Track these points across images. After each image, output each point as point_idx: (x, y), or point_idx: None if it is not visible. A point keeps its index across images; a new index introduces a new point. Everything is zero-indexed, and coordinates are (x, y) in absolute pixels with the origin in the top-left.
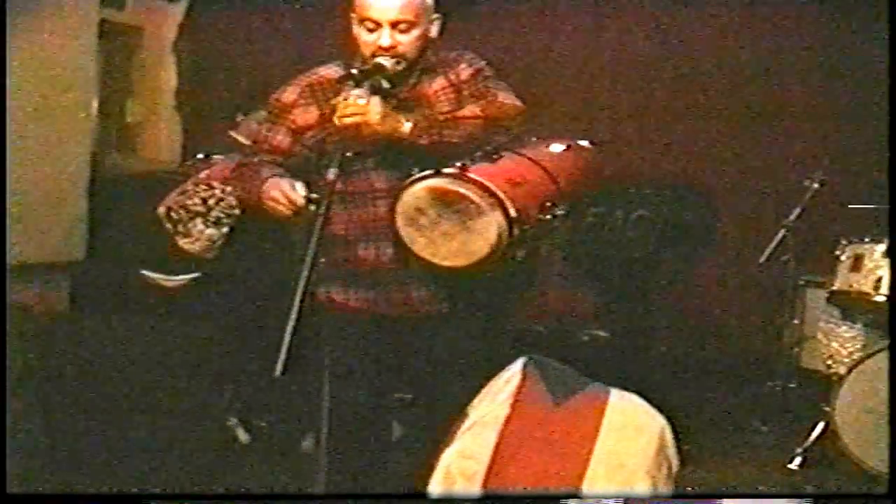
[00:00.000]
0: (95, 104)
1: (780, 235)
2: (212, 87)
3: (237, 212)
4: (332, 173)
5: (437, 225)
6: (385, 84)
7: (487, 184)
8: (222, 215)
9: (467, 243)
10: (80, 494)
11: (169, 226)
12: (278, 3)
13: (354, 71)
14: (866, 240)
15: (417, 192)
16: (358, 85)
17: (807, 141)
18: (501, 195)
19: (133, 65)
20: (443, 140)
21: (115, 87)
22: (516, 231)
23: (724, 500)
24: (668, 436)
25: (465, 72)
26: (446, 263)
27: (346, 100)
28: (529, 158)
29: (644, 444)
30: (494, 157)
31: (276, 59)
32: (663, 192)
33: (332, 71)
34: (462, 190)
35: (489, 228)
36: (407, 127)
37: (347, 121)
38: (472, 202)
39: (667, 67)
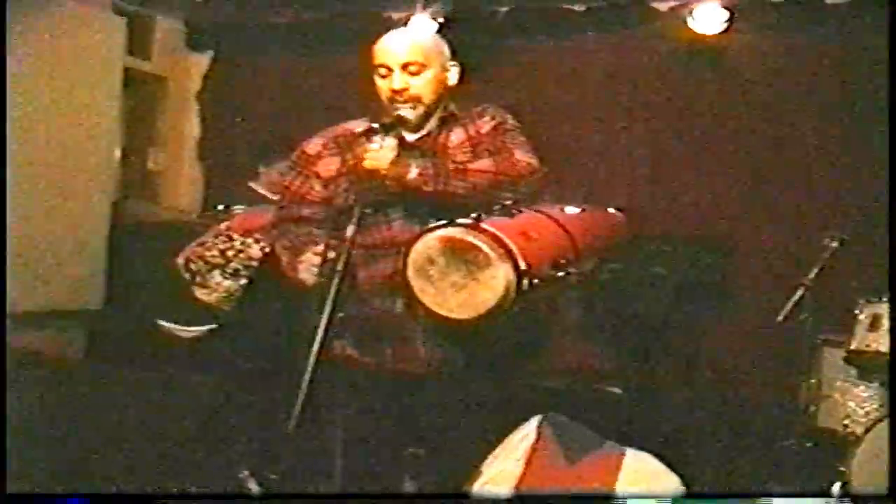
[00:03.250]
0: (118, 152)
1: (798, 294)
2: (234, 137)
3: (255, 264)
4: (350, 230)
5: (446, 276)
6: (408, 136)
7: (498, 234)
8: (240, 267)
9: (475, 295)
10: (81, 494)
11: (187, 276)
12: (301, 55)
13: (376, 125)
14: (884, 299)
15: (429, 241)
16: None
17: (826, 199)
18: (512, 246)
19: (156, 114)
20: (447, 190)
21: (138, 136)
22: (525, 284)
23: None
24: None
25: (486, 125)
26: (454, 315)
27: (367, 148)
28: (548, 216)
29: None
30: (513, 212)
31: (299, 110)
32: (680, 250)
33: (357, 124)
34: (472, 240)
35: (497, 279)
36: (413, 173)
37: (367, 164)
38: (482, 252)
39: (683, 125)
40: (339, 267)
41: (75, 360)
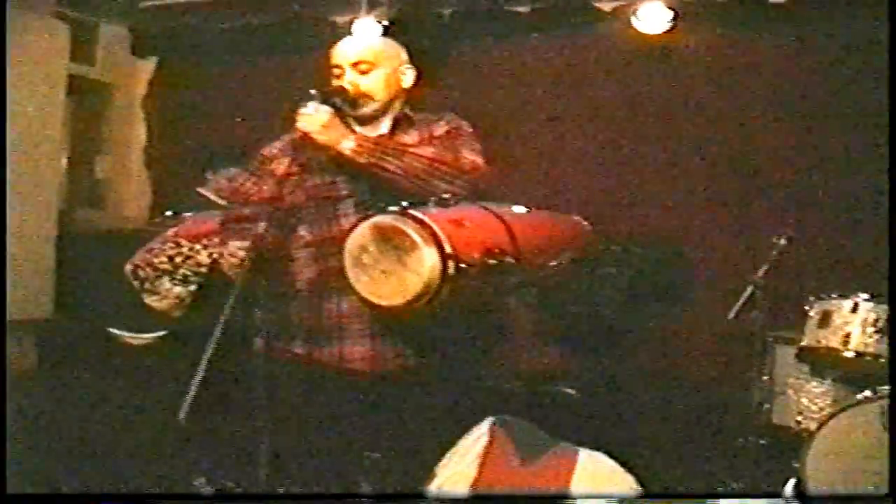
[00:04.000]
0: (64, 160)
1: (748, 292)
2: (181, 143)
3: (205, 269)
4: (261, 227)
5: (377, 263)
6: (344, 106)
7: (424, 219)
8: (189, 273)
9: (404, 280)
10: (81, 494)
11: (136, 283)
12: (246, 59)
13: (314, 91)
14: (834, 296)
15: (362, 230)
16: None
17: (774, 197)
18: (437, 230)
19: (102, 121)
20: (381, 164)
21: (84, 143)
22: (450, 268)
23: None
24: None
25: (440, 129)
26: (385, 303)
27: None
28: (486, 208)
29: None
30: (450, 204)
31: (245, 115)
32: (632, 250)
33: None
34: (399, 224)
35: (423, 263)
36: (350, 143)
37: (298, 125)
38: (408, 236)
39: (630, 124)
40: (246, 263)
41: (28, 371)
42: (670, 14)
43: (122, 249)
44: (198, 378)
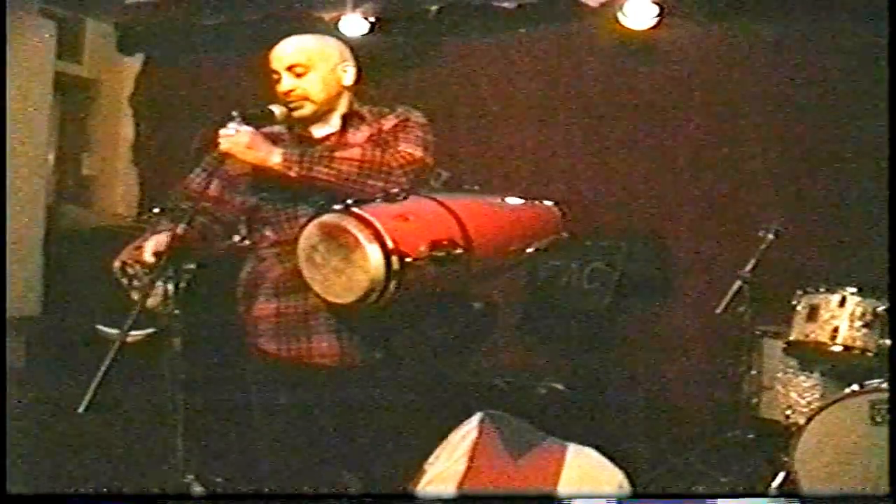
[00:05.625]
0: (52, 157)
1: (736, 286)
2: (168, 139)
3: (192, 266)
4: (181, 228)
5: (328, 262)
6: (315, 133)
7: (365, 215)
8: (178, 269)
9: (352, 277)
10: (81, 494)
11: (124, 281)
12: (233, 55)
13: (235, 113)
14: (822, 290)
15: (311, 229)
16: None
17: (761, 191)
18: (378, 225)
19: (90, 118)
20: (311, 175)
21: (71, 140)
22: (395, 263)
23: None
24: (626, 490)
25: (389, 123)
26: (339, 301)
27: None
28: (436, 200)
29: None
30: (399, 199)
31: (231, 111)
32: (619, 244)
33: (275, 129)
34: (341, 223)
35: (367, 260)
36: (277, 158)
37: (221, 147)
38: (350, 234)
39: (618, 120)
40: (162, 261)
41: (16, 369)
42: (656, 9)
43: (110, 246)
44: (100, 373)
